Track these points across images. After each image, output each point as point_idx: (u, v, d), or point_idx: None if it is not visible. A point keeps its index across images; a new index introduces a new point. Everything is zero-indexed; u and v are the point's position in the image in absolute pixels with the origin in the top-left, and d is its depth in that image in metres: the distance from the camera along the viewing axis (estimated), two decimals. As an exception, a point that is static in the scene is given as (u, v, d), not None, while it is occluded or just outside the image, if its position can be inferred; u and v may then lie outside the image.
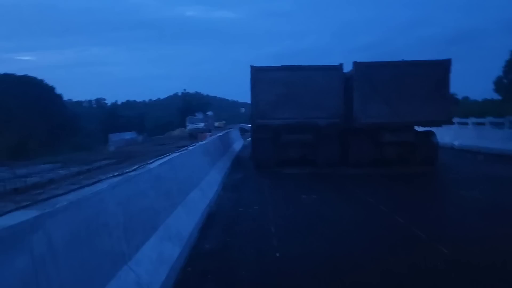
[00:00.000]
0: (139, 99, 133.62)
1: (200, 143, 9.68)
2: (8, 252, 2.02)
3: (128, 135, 45.84)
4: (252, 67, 12.93)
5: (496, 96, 60.46)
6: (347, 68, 12.95)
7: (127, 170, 4.28)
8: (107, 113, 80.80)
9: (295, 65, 12.88)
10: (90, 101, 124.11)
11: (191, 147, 8.10)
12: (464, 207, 7.33)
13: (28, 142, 39.98)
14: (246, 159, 15.97)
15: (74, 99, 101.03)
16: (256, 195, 9.13)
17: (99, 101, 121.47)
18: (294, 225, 6.35)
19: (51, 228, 2.31)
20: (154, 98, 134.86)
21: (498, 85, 59.97)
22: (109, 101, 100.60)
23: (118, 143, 39.84)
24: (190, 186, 6.59)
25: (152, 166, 4.83)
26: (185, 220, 5.31)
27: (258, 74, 12.89)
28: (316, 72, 12.90)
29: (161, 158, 5.71)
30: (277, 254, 4.95)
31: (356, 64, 12.53)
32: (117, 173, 3.81)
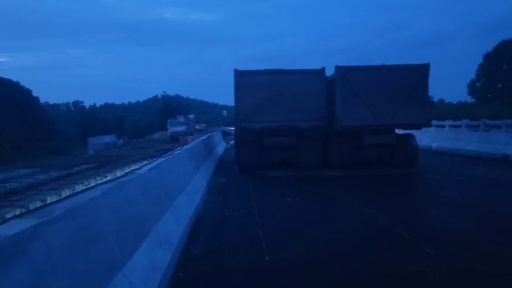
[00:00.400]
0: (118, 102, 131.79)
1: (185, 147, 9.66)
2: (8, 261, 2.02)
3: (108, 139, 45.25)
4: (235, 70, 12.99)
5: (470, 99, 62.48)
6: (330, 71, 13.18)
7: (117, 176, 4.27)
8: (85, 116, 79.40)
9: (278, 69, 13.01)
10: (67, 104, 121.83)
11: (176, 151, 8.09)
12: (443, 207, 7.55)
13: (3, 146, 38.89)
14: (229, 162, 16.01)
15: (51, 102, 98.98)
16: (241, 198, 9.18)
17: (76, 104, 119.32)
18: (281, 228, 6.43)
19: (50, 236, 2.32)
20: (133, 101, 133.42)
21: (472, 88, 62.01)
22: (87, 104, 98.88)
23: (97, 146, 39.29)
24: (177, 191, 6.59)
25: (141, 171, 4.83)
26: (173, 225, 5.32)
27: (242, 78, 12.97)
28: (298, 76, 13.06)
29: (149, 163, 5.70)
30: (267, 258, 5.02)
31: (338, 68, 12.74)
32: (108, 179, 3.80)
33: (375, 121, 12.67)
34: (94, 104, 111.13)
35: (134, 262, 3.51)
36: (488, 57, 59.05)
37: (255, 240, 5.78)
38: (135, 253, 3.67)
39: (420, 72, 12.75)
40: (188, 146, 9.82)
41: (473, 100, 61.35)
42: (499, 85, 57.78)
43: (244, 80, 12.95)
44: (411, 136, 13.49)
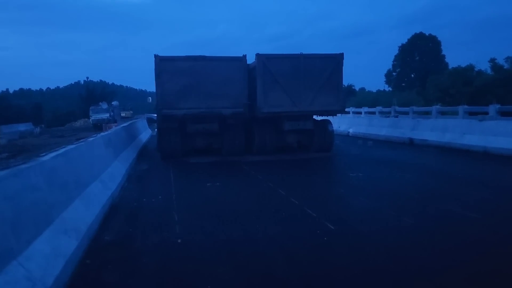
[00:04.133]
0: (35, 87, 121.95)
1: (102, 133, 9.38)
2: None
3: (23, 127, 41.99)
4: (156, 56, 12.76)
5: (387, 88, 67.17)
6: (252, 59, 13.46)
7: (17, 163, 4.12)
8: (-5, 102, 72.57)
9: (199, 56, 13.00)
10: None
11: (90, 138, 7.85)
12: (350, 186, 8.22)
13: None
14: (153, 150, 15.78)
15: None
16: (161, 185, 9.18)
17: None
18: (197, 212, 6.58)
19: None
20: (53, 87, 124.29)
21: (388, 77, 66.62)
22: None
23: (10, 135, 36.26)
24: (90, 178, 6.44)
25: (45, 158, 4.68)
26: (83, 212, 5.23)
27: (163, 64, 12.77)
28: (220, 63, 13.17)
29: (56, 150, 5.51)
30: (179, 241, 5.15)
31: (258, 56, 13.05)
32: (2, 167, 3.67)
33: (294, 108, 13.22)
34: (7, 89, 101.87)
35: (32, 250, 3.46)
36: (402, 48, 63.71)
37: (170, 224, 5.88)
38: (35, 241, 3.60)
39: (335, 61, 13.49)
40: (105, 133, 9.54)
41: (390, 89, 66.08)
42: (412, 75, 62.78)
43: (165, 66, 12.78)
44: (328, 122, 14.29)
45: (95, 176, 6.80)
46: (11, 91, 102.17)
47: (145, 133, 23.02)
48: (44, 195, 4.21)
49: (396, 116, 19.24)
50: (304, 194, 7.65)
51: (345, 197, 7.42)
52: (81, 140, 7.48)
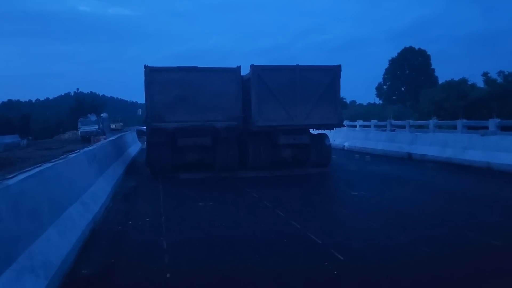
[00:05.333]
0: (24, 98, 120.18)
1: (86, 149, 8.70)
2: None
3: (8, 139, 40.89)
4: (146, 67, 12.16)
5: (378, 101, 67.38)
6: (246, 71, 12.94)
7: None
8: (-18, 114, 71.09)
9: (191, 66, 12.45)
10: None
11: (72, 154, 7.17)
12: (353, 207, 7.62)
13: None
14: (142, 164, 15.05)
15: None
16: (149, 205, 8.50)
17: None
18: (189, 238, 5.92)
19: None
20: (42, 98, 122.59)
21: (379, 90, 66.86)
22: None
23: (-4, 147, 35.28)
24: (68, 200, 5.77)
25: (11, 182, 4.02)
26: (57, 242, 4.55)
27: (153, 75, 12.18)
28: (213, 74, 12.62)
29: (28, 170, 4.84)
30: (168, 275, 4.49)
31: (253, 67, 12.52)
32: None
33: (290, 121, 12.68)
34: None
35: (-16, 300, 2.79)
36: (392, 62, 64.11)
37: (158, 254, 5.20)
38: (-11, 287, 2.94)
39: (332, 73, 13.02)
40: (89, 148, 8.86)
41: (380, 102, 66.27)
42: (403, 88, 63.05)
43: (155, 77, 12.18)
44: (325, 136, 13.76)
45: (74, 198, 6.12)
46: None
47: (135, 146, 22.28)
48: (6, 227, 3.55)
49: (393, 130, 18.83)
50: (305, 216, 7.04)
51: (350, 220, 6.82)
52: (62, 156, 6.81)
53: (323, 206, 8.06)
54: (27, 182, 4.33)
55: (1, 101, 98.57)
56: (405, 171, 12.69)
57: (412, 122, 20.46)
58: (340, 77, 13.02)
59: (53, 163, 5.63)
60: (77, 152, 7.75)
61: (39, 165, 5.35)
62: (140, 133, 32.36)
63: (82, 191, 6.77)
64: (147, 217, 7.21)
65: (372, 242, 5.54)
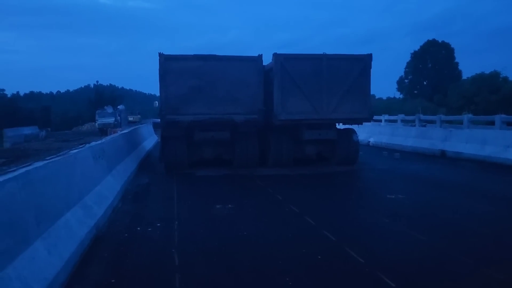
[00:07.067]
0: (45, 90, 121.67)
1: (92, 143, 7.91)
2: None
3: (28, 130, 40.89)
4: (161, 55, 11.29)
5: (398, 95, 65.46)
6: (268, 61, 11.97)
7: None
8: (5, 106, 72.03)
9: (209, 55, 11.53)
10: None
11: (73, 150, 6.36)
12: (394, 215, 6.61)
13: None
14: (157, 159, 14.28)
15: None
16: (161, 207, 7.65)
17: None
18: (205, 251, 5.02)
19: None
20: (63, 90, 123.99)
21: (400, 84, 64.84)
22: (9, 92, 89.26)
23: (15, 138, 35.23)
24: (65, 205, 4.94)
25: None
26: (44, 261, 3.72)
27: (168, 64, 11.31)
28: (233, 63, 11.67)
29: (12, 170, 4.01)
30: (177, 304, 3.61)
31: (275, 56, 11.53)
32: None
33: (315, 115, 11.67)
34: (17, 92, 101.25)
35: None
36: (415, 55, 61.98)
37: (167, 272, 4.33)
38: None
39: (362, 63, 11.93)
40: (96, 143, 8.06)
41: (401, 96, 64.26)
42: (425, 82, 60.95)
43: (171, 66, 11.31)
44: (352, 131, 12.71)
45: (74, 201, 5.29)
46: (21, 94, 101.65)
47: (150, 140, 21.63)
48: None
49: (424, 125, 17.58)
50: (339, 225, 6.07)
51: (394, 232, 5.81)
52: (62, 153, 5.99)
53: (359, 212, 7.04)
54: (4, 187, 3.49)
55: (24, 93, 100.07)
56: (442, 170, 11.53)
57: (443, 117, 19.11)
58: (371, 67, 11.93)
59: (46, 162, 4.79)
60: (81, 147, 6.95)
61: (28, 164, 4.52)
62: (156, 126, 31.78)
63: (85, 192, 5.95)
64: (158, 222, 6.36)
65: (428, 263, 4.53)
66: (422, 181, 9.95)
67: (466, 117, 17.25)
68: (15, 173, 3.89)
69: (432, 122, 20.04)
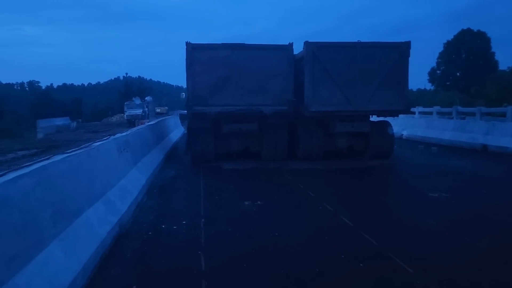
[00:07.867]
0: (77, 82, 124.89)
1: (117, 135, 7.64)
2: None
3: (59, 121, 41.85)
4: (188, 44, 10.92)
5: (430, 86, 63.05)
6: (299, 49, 11.40)
7: None
8: (40, 97, 74.33)
9: (237, 43, 11.06)
10: (22, 83, 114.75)
11: (97, 142, 6.08)
12: (440, 216, 6.01)
13: None
14: (183, 150, 14.02)
15: (4, 82, 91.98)
16: (187, 201, 7.32)
17: (32, 84, 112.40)
18: (232, 252, 4.62)
19: None
20: (93, 82, 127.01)
21: (432, 76, 62.39)
22: (43, 84, 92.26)
23: (47, 129, 36.17)
24: (87, 201, 4.64)
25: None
26: (60, 265, 3.40)
27: (195, 53, 10.93)
28: (262, 52, 11.17)
29: (28, 165, 3.70)
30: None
31: (307, 44, 10.95)
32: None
33: (348, 107, 11.05)
34: (51, 84, 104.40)
35: None
36: (448, 45, 59.29)
37: (193, 278, 3.95)
38: None
39: (400, 51, 11.20)
40: (121, 135, 7.78)
41: (432, 88, 61.86)
42: (458, 73, 58.35)
43: (198, 55, 10.93)
44: (387, 124, 12.01)
45: (96, 197, 4.98)
46: (55, 86, 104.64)
47: (177, 131, 21.47)
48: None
49: (463, 118, 16.58)
50: (380, 227, 5.53)
51: (443, 236, 5.22)
52: (84, 145, 5.70)
53: (401, 212, 6.47)
54: (16, 185, 3.16)
55: (57, 85, 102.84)
56: (486, 166, 10.73)
57: (484, 109, 17.99)
58: (409, 56, 11.17)
59: (66, 155, 4.48)
60: (105, 139, 6.66)
61: (47, 157, 4.22)
62: (183, 118, 31.73)
63: (108, 187, 5.65)
64: (184, 219, 6.00)
65: (490, 275, 3.97)
66: (466, 178, 9.22)
67: (510, 109, 16.12)
68: (30, 168, 3.58)
69: (470, 114, 18.94)
